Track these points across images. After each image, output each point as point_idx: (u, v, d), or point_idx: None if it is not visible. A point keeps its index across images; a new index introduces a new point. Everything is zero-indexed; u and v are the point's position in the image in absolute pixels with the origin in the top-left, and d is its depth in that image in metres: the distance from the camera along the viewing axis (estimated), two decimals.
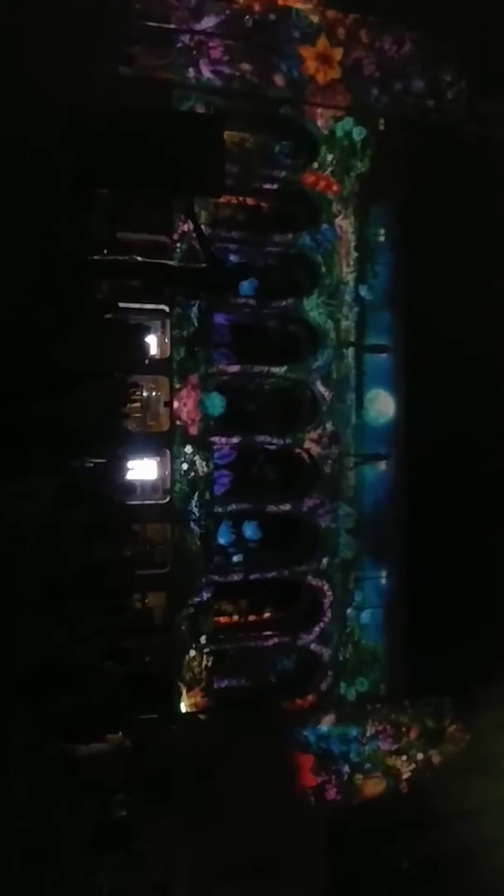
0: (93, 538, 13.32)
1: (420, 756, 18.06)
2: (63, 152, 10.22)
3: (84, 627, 11.94)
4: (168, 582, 16.16)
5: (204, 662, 16.29)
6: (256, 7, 16.11)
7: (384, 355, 17.51)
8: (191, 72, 15.73)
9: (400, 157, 17.31)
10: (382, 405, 17.56)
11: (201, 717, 16.24)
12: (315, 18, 16.72)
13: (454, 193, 16.78)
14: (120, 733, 13.68)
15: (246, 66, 16.06)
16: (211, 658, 16.40)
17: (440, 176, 16.81)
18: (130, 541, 15.02)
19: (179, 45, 15.59)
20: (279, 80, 16.48)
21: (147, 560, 15.84)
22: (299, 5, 16.56)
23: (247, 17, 16.05)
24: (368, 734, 17.60)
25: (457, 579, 16.67)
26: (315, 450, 17.35)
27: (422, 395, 17.18)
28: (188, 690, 16.17)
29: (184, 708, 16.15)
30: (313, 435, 17.35)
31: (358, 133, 17.23)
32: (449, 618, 16.48)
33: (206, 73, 15.82)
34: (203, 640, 16.29)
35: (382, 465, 17.55)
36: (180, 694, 16.11)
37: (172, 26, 15.40)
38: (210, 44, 15.77)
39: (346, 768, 17.44)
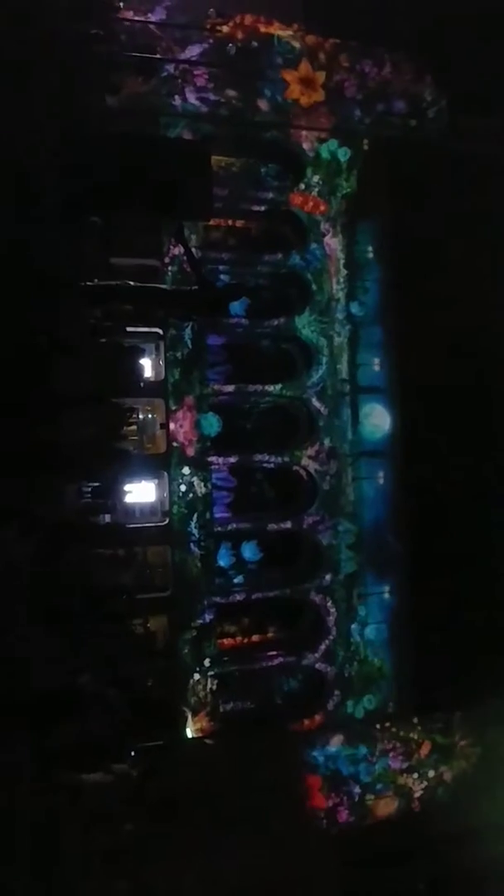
0: (93, 564, 13.25)
1: (431, 773, 17.82)
2: (54, 180, 10.36)
3: (86, 654, 11.83)
4: (170, 605, 16.02)
5: (209, 686, 16.09)
6: (239, 35, 16.48)
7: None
8: (177, 99, 16.02)
9: (385, 175, 17.60)
10: (378, 419, 17.65)
11: (208, 741, 16.00)
12: (296, 44, 17.10)
13: (439, 209, 17.07)
14: (125, 762, 13.48)
15: (231, 93, 16.36)
16: (216, 681, 16.20)
17: (425, 192, 17.10)
18: (131, 565, 14.97)
19: (165, 73, 15.88)
20: (264, 104, 16.77)
21: (148, 583, 15.72)
22: (280, 32, 16.96)
23: (230, 45, 16.39)
24: (378, 753, 17.38)
25: (461, 591, 16.63)
26: (313, 466, 17.36)
27: (417, 408, 17.28)
28: (194, 715, 15.95)
29: (190, 733, 15.91)
30: (310, 451, 17.37)
31: (343, 154, 17.54)
32: (454, 631, 16.41)
33: (192, 100, 16.11)
34: (207, 663, 16.09)
35: (380, 480, 17.58)
36: (186, 719, 15.88)
37: (157, 56, 15.72)
38: (195, 72, 16.08)
39: (357, 789, 17.17)
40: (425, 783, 17.77)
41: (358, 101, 17.65)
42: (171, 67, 15.98)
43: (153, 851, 13.23)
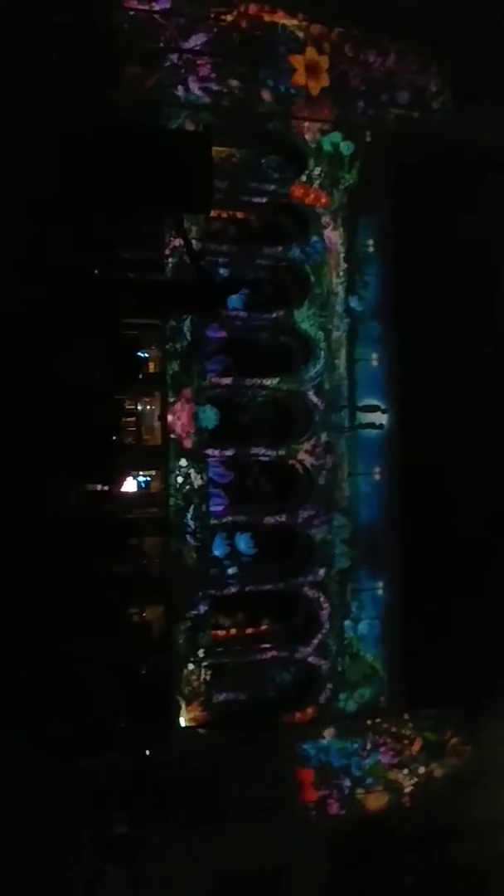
0: (93, 554, 13.31)
1: (422, 769, 17.90)
2: (55, 172, 10.33)
3: (83, 643, 11.91)
4: (165, 595, 16.11)
5: (202, 676, 16.22)
6: (243, 24, 16.32)
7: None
8: (179, 89, 15.91)
9: (388, 168, 17.45)
10: (375, 415, 17.60)
11: (201, 731, 16.14)
12: (300, 34, 16.94)
13: (442, 202, 16.90)
14: (120, 750, 13.61)
15: (234, 83, 16.23)
16: (209, 672, 16.32)
17: (428, 186, 16.93)
18: (129, 555, 15.05)
19: (168, 63, 15.78)
20: (267, 95, 16.65)
21: (145, 574, 15.82)
22: (284, 21, 16.79)
23: (234, 34, 16.24)
24: (369, 747, 17.46)
25: (454, 589, 16.61)
26: (309, 460, 17.37)
27: (414, 404, 17.23)
28: (187, 704, 16.09)
29: (183, 722, 16.05)
30: (307, 446, 17.38)
31: (345, 146, 17.40)
32: (447, 628, 16.41)
33: (195, 90, 16.00)
34: (201, 653, 16.22)
35: (377, 475, 17.56)
36: (179, 708, 16.02)
37: (161, 45, 15.60)
38: (198, 61, 15.96)
39: (347, 782, 17.28)
40: (416, 779, 17.84)
41: (361, 92, 17.47)
42: (174, 57, 15.87)
43: (147, 840, 13.39)
